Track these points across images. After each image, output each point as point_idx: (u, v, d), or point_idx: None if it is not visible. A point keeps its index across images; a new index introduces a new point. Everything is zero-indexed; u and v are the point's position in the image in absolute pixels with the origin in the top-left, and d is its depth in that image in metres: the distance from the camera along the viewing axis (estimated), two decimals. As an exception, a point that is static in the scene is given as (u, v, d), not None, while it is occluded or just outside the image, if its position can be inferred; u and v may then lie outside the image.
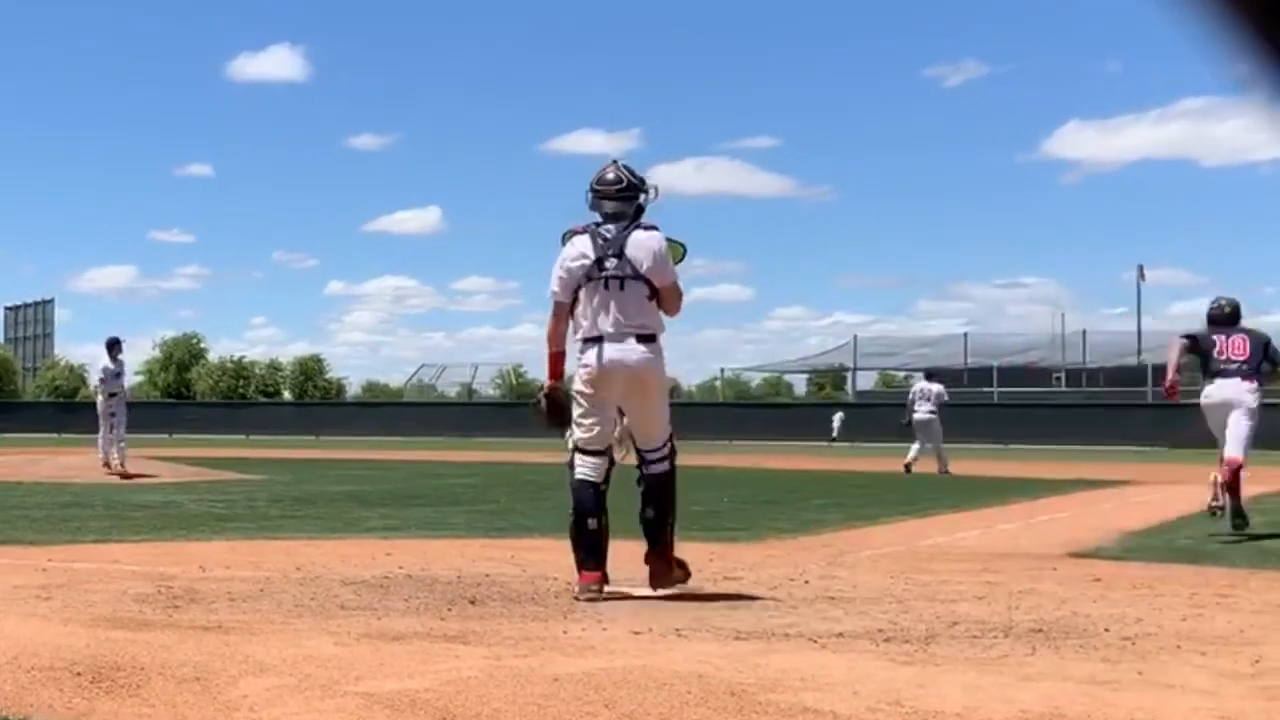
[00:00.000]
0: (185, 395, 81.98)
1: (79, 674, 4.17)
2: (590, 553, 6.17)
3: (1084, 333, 76.02)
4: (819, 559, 8.10)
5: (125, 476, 18.10)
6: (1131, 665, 4.52)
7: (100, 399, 19.36)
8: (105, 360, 19.69)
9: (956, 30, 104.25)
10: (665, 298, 6.30)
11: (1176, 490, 17.97)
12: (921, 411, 23.98)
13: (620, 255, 6.24)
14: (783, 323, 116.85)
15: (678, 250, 6.49)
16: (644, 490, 6.34)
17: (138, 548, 8.54)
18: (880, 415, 57.28)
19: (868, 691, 4.01)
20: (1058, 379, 72.73)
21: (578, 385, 6.37)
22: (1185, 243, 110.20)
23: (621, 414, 6.55)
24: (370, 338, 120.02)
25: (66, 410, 73.14)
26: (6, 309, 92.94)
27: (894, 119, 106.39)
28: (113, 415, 19.10)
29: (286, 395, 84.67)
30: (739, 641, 4.93)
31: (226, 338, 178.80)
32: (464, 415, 67.30)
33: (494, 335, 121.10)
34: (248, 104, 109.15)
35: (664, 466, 6.35)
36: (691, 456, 9.11)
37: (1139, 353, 72.86)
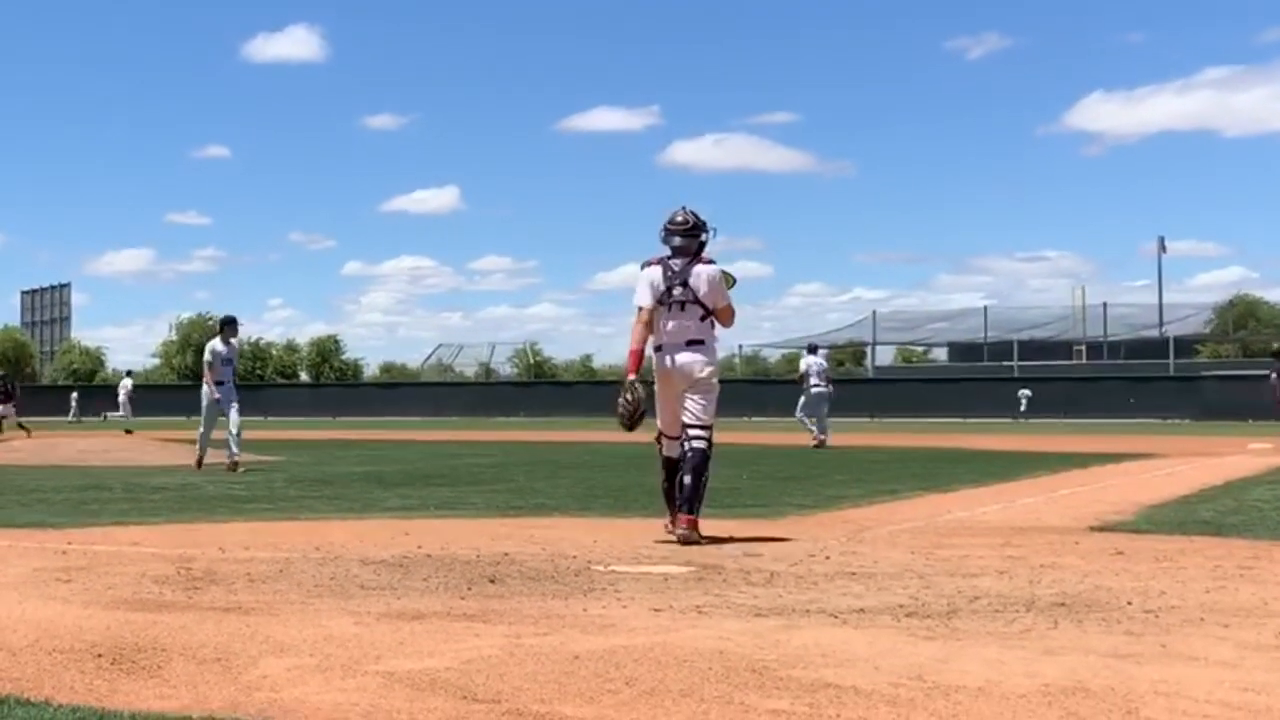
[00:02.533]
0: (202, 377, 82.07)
1: (100, 656, 4.18)
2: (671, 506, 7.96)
3: (1104, 306, 75.72)
4: (840, 535, 8.08)
5: (233, 467, 15.82)
6: (1155, 638, 4.50)
7: (207, 388, 16.57)
8: (215, 342, 16.83)
9: (978, 2, 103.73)
10: (720, 316, 8.07)
11: (1199, 462, 17.90)
12: (820, 385, 24.29)
13: (684, 284, 7.98)
14: (802, 299, 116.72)
15: (730, 279, 8.14)
16: (683, 460, 7.84)
17: (157, 530, 8.57)
18: (902, 391, 57.30)
19: (889, 667, 3.99)
20: (1078, 352, 72.38)
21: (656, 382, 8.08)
22: (1207, 214, 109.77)
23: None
24: (387, 318, 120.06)
25: (83, 394, 73.61)
26: (23, 293, 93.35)
27: (914, 93, 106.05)
28: (217, 401, 16.43)
29: (304, 376, 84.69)
30: (759, 618, 4.91)
31: (244, 319, 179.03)
32: (482, 395, 67.38)
33: (511, 314, 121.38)
34: (265, 85, 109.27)
35: (703, 443, 7.89)
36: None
37: (1160, 325, 72.57)
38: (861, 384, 63.77)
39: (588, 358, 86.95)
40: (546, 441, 28.43)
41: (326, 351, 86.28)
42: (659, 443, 8.18)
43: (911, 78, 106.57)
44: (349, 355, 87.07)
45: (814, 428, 24.18)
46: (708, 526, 7.85)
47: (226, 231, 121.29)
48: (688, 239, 8.07)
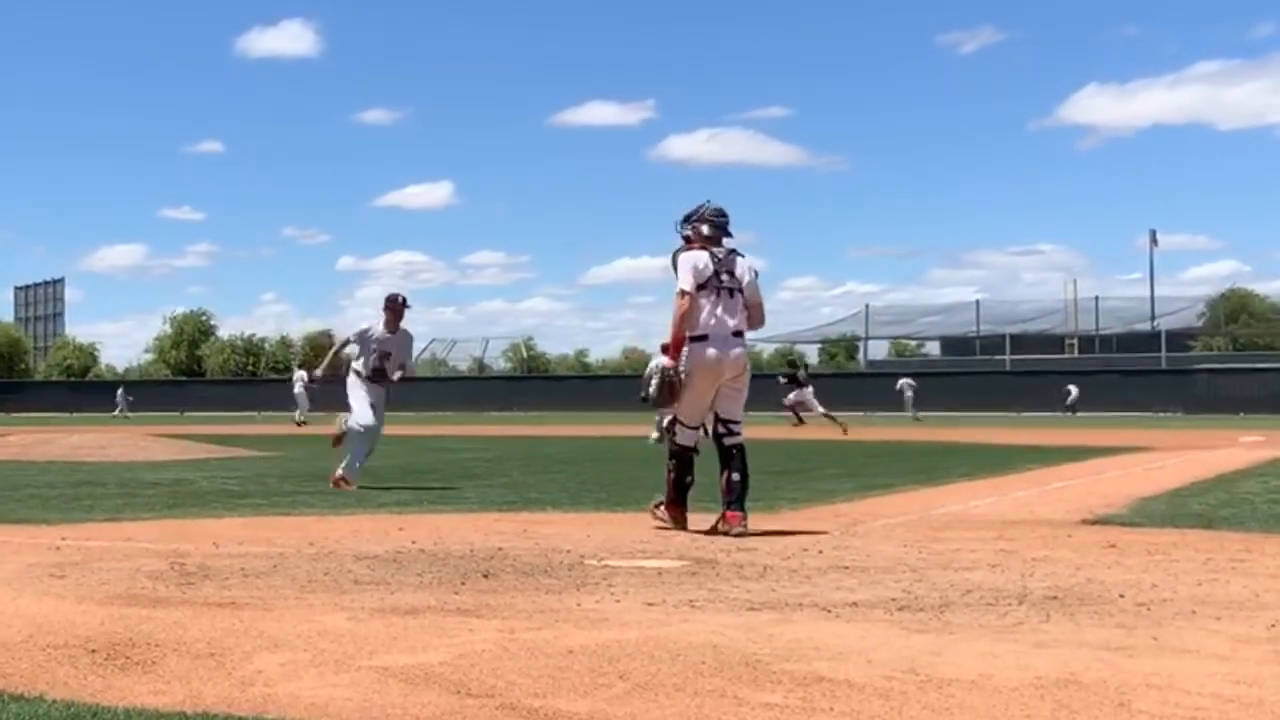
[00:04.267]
0: (196, 373, 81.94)
1: (94, 651, 4.18)
2: (683, 499, 7.94)
3: (1097, 299, 75.81)
4: (832, 529, 8.09)
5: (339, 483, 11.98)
6: (1147, 631, 4.50)
7: (360, 370, 12.33)
8: (376, 325, 12.46)
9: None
10: (754, 312, 7.97)
11: (1190, 456, 17.93)
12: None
13: (731, 273, 7.86)
14: (794, 293, 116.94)
15: None
16: (731, 458, 7.80)
17: (151, 525, 8.54)
18: (894, 383, 57.25)
19: (882, 660, 4.00)
20: (1071, 345, 72.48)
21: (687, 369, 7.82)
22: (1200, 208, 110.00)
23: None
24: (382, 313, 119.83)
25: (77, 389, 73.44)
26: (17, 289, 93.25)
27: (908, 87, 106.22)
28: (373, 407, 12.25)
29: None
30: (753, 612, 4.92)
31: (237, 315, 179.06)
32: (475, 389, 67.32)
33: (504, 309, 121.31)
34: (258, 80, 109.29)
35: (742, 438, 7.89)
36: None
37: (1152, 318, 72.68)
38: (854, 378, 63.81)
39: (582, 352, 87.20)
40: (540, 436, 28.45)
41: (320, 347, 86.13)
42: (670, 431, 8.11)
43: (905, 72, 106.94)
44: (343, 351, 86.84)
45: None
46: (697, 521, 7.90)
47: (220, 226, 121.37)
48: (718, 230, 7.98)
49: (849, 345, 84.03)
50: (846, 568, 6.20)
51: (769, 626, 4.58)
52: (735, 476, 7.70)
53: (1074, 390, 54.50)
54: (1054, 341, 72.82)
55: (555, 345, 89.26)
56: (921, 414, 45.17)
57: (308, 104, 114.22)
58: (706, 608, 5.02)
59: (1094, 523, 8.51)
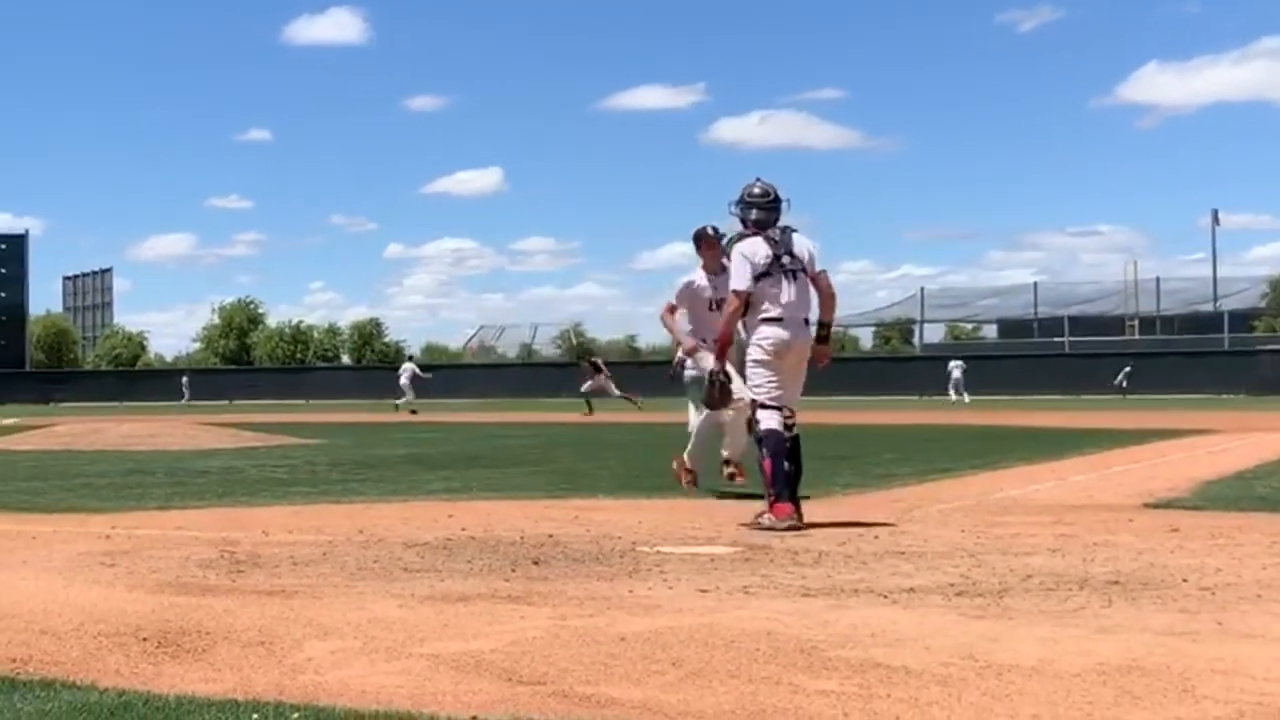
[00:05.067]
0: (244, 361, 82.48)
1: (145, 639, 4.19)
2: (787, 487, 7.37)
3: (1158, 280, 74.88)
4: (889, 514, 8.00)
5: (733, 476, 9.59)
6: (1211, 616, 4.41)
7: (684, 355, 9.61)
8: (696, 274, 9.53)
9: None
10: (826, 300, 7.73)
11: (1255, 438, 17.65)
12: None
13: (791, 254, 7.61)
14: (849, 276, 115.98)
15: None
16: (790, 449, 7.49)
17: (200, 514, 8.58)
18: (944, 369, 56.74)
19: (940, 646, 3.93)
20: (1131, 327, 71.62)
21: (760, 355, 7.59)
22: (1263, 186, 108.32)
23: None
24: (429, 300, 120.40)
25: (126, 379, 74.21)
26: (65, 279, 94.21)
27: (965, 67, 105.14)
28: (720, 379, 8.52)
29: (345, 360, 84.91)
30: (807, 598, 4.86)
31: (285, 303, 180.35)
32: (524, 376, 67.43)
33: (554, 295, 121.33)
34: (306, 68, 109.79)
35: (797, 429, 7.61)
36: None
37: (1215, 299, 71.67)
38: (909, 361, 63.40)
39: (632, 338, 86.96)
40: (590, 423, 28.46)
41: (368, 335, 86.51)
42: (753, 412, 7.60)
43: (962, 51, 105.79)
44: (390, 338, 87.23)
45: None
46: (757, 506, 7.70)
47: (268, 215, 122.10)
48: (768, 212, 7.70)
49: (904, 329, 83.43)
50: (903, 553, 6.13)
51: (824, 613, 4.52)
52: (789, 467, 7.45)
53: (1126, 370, 54.06)
54: (1114, 323, 71.98)
55: (605, 330, 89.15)
56: (969, 398, 44.74)
57: (355, 91, 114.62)
58: (760, 594, 4.97)
59: (1156, 506, 8.38)
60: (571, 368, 71.31)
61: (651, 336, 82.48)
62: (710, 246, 9.46)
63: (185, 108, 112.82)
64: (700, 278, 9.47)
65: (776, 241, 7.62)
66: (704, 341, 9.01)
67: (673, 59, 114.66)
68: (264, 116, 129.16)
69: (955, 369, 47.61)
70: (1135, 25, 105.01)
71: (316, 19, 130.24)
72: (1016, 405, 39.23)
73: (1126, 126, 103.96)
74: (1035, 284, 76.66)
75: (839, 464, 12.89)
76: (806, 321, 7.71)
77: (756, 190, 7.75)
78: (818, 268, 7.70)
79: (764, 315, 7.57)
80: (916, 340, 79.17)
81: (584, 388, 36.01)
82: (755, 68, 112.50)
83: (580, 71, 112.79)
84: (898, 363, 65.74)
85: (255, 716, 3.29)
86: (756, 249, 7.60)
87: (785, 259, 7.59)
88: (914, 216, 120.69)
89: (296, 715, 3.30)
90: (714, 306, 9.14)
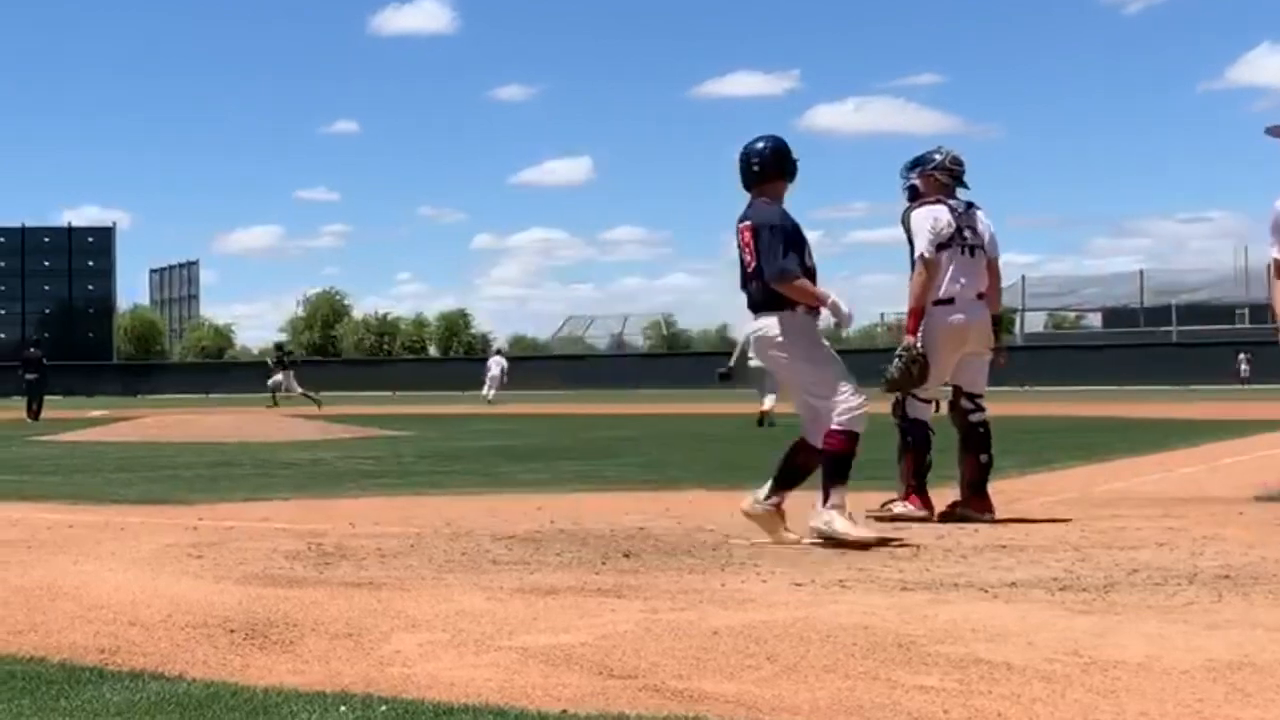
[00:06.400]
0: (331, 352, 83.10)
1: (232, 631, 4.19)
2: (923, 483, 7.19)
3: (1269, 266, 73.01)
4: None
5: None
6: (1329, 612, 4.22)
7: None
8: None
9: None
10: (996, 270, 7.26)
11: (1371, 428, 17.10)
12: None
13: (973, 229, 7.13)
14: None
15: None
16: (977, 436, 7.19)
17: (287, 505, 8.61)
18: (1054, 358, 55.89)
19: (1043, 642, 3.80)
20: (1241, 315, 69.86)
21: (927, 340, 7.03)
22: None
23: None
24: (517, 291, 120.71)
25: (213, 371, 75.28)
26: (152, 271, 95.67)
27: (1067, 50, 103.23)
28: None
29: (432, 351, 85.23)
30: (906, 592, 4.74)
31: (372, 295, 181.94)
32: (613, 367, 67.45)
33: (643, 285, 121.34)
34: (393, 58, 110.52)
35: (985, 414, 7.24)
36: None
37: (1328, 286, 69.66)
38: (1010, 351, 62.51)
39: (724, 328, 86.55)
40: (681, 414, 28.33)
41: (455, 326, 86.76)
42: (902, 400, 7.23)
43: (1065, 34, 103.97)
44: (478, 329, 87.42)
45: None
46: (853, 500, 6.77)
47: (355, 207, 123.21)
48: (955, 181, 7.20)
49: (1005, 318, 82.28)
50: (1004, 546, 5.98)
51: (923, 607, 4.40)
52: (984, 458, 7.14)
53: (1242, 357, 52.86)
54: (1224, 312, 70.29)
55: (696, 320, 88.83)
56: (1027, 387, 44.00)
57: (443, 81, 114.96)
58: (857, 588, 4.85)
59: (1267, 499, 8.12)
60: (664, 359, 71.39)
61: (745, 326, 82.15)
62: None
63: (272, 101, 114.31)
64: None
65: (960, 213, 7.14)
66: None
67: (766, 45, 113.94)
68: (351, 108, 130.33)
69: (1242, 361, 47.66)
70: (1246, 5, 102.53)
71: (404, 9, 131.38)
72: (1121, 396, 38.48)
73: (1237, 110, 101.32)
74: (1141, 272, 75.14)
75: (938, 457, 12.64)
76: (980, 298, 7.16)
77: (954, 154, 7.24)
78: (996, 251, 7.26)
79: (932, 297, 7.06)
80: (1018, 329, 77.98)
81: (270, 381, 36.28)
82: (850, 53, 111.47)
83: (671, 58, 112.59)
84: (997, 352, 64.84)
85: (343, 709, 3.26)
86: (941, 215, 7.07)
87: (967, 233, 7.11)
88: (1015, 203, 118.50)
89: (384, 708, 3.27)
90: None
